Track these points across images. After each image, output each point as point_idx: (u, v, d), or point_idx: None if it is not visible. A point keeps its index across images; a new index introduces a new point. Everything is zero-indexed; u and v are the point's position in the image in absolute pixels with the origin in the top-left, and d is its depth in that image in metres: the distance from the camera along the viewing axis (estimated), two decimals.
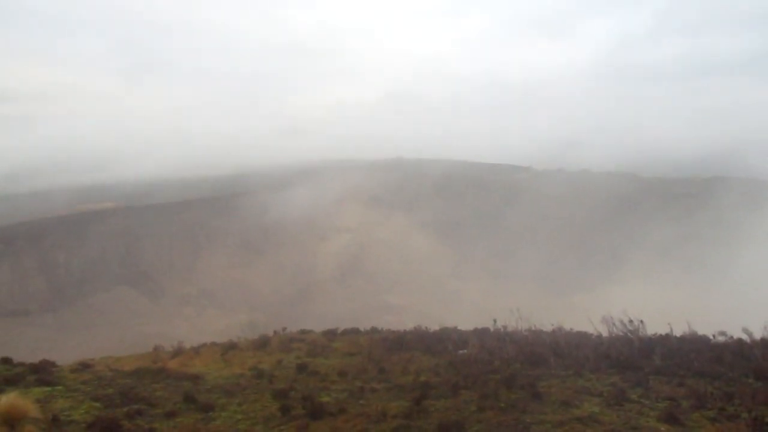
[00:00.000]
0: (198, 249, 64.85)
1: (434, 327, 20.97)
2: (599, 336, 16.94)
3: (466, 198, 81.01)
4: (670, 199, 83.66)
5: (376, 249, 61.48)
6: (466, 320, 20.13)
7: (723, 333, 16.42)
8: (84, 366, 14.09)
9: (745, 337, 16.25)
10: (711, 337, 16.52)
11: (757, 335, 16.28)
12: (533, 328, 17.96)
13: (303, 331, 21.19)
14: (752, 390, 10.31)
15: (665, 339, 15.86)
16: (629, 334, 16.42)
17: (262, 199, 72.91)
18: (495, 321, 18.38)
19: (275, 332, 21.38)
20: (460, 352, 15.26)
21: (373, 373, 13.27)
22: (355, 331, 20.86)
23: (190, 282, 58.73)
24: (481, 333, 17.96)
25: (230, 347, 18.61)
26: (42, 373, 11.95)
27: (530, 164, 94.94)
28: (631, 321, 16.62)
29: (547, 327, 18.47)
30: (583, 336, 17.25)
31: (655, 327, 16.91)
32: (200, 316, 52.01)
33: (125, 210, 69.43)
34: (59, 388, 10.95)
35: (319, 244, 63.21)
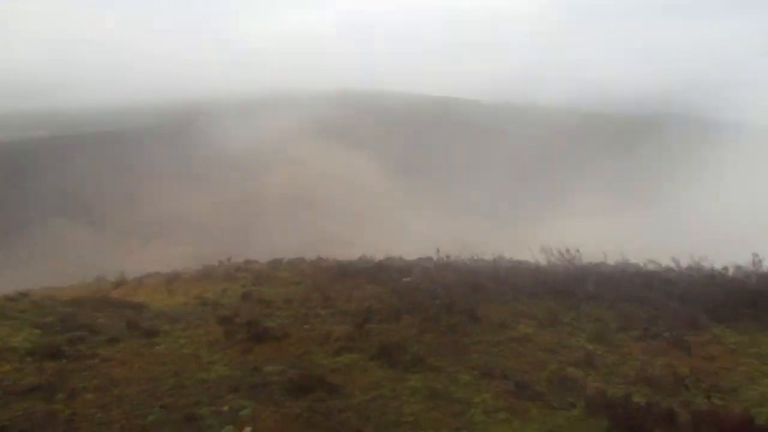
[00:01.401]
0: (140, 179, 63.11)
1: (379, 257, 21.24)
2: (538, 265, 17.56)
3: (415, 131, 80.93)
4: (615, 135, 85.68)
5: (324, 181, 61.19)
6: (412, 251, 20.45)
7: (653, 261, 17.27)
8: (22, 295, 13.76)
9: (673, 265, 17.16)
10: (642, 265, 17.36)
11: (684, 264, 17.22)
12: (475, 258, 18.47)
13: (248, 261, 21.15)
14: (674, 312, 10.97)
15: (599, 267, 16.56)
16: (566, 262, 17.10)
17: (208, 129, 71.09)
18: (438, 250, 18.77)
19: (220, 262, 21.29)
20: (404, 280, 15.54)
21: (318, 301, 13.43)
22: (301, 261, 20.94)
23: (132, 213, 57.40)
24: (425, 262, 18.31)
25: (174, 277, 18.45)
26: None
27: (479, 98, 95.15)
28: (568, 250, 17.28)
29: (488, 256, 19.03)
30: (522, 265, 17.85)
31: (593, 257, 17.64)
32: (143, 247, 51.18)
33: (62, 139, 66.58)
34: None
35: (265, 175, 62.40)
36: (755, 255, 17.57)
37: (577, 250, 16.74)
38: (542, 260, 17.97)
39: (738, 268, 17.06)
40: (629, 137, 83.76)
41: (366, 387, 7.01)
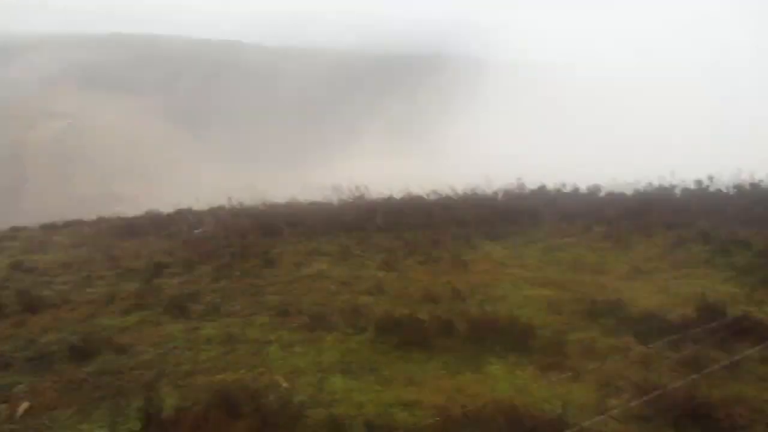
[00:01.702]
0: None
1: (168, 211, 20.17)
2: (330, 204, 18.00)
3: (197, 78, 76.94)
4: (397, 76, 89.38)
5: (98, 135, 55.89)
6: (203, 203, 19.68)
7: (434, 192, 18.65)
8: None
9: (451, 193, 18.67)
10: (425, 196, 18.64)
11: (461, 192, 18.83)
12: (268, 203, 18.39)
13: (15, 229, 18.83)
14: (453, 235, 11.98)
15: (387, 201, 17.43)
16: (356, 200, 17.75)
17: None
18: (230, 198, 18.36)
19: None
20: (196, 231, 15.00)
21: (102, 262, 12.45)
22: (79, 223, 19.17)
23: None
24: (216, 211, 17.80)
25: None
26: None
27: (260, 41, 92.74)
28: (357, 188, 17.94)
29: (282, 200, 19.05)
30: (315, 206, 18.17)
31: (381, 193, 18.51)
32: None
33: None
34: None
35: (28, 132, 55.42)
36: (519, 179, 19.77)
37: (366, 187, 17.46)
38: (334, 200, 18.46)
39: (506, 191, 19.09)
40: (410, 78, 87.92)
41: (158, 342, 6.71)
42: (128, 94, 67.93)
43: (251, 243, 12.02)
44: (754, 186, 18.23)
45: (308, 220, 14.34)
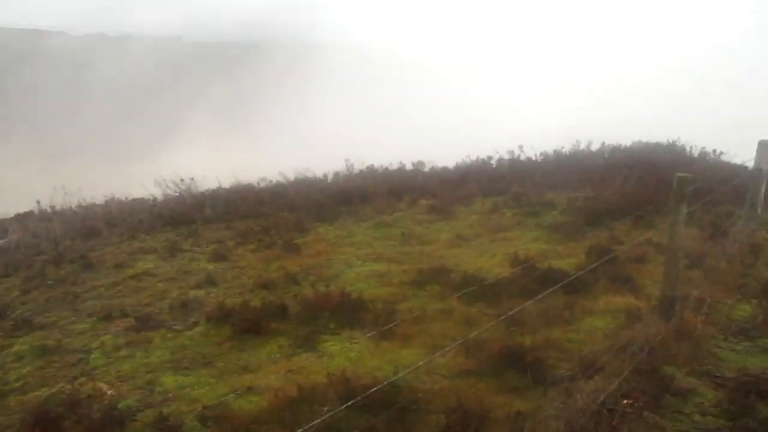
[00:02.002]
0: None
1: None
2: (154, 199, 17.05)
3: None
4: (218, 64, 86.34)
5: None
6: (11, 208, 17.74)
7: (264, 179, 18.35)
8: None
9: (282, 180, 18.52)
10: (255, 184, 18.29)
11: (291, 177, 18.74)
12: (84, 203, 16.99)
13: None
14: (285, 220, 11.92)
15: (215, 192, 16.86)
16: (183, 192, 16.97)
17: None
18: (39, 202, 16.70)
19: None
20: (0, 241, 13.50)
21: None
22: None
23: None
24: (23, 218, 16.12)
25: None
26: None
27: (64, 29, 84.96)
28: (182, 180, 17.14)
29: (100, 200, 17.71)
30: (138, 202, 17.11)
31: (208, 184, 17.84)
32: None
33: None
34: None
35: None
36: (347, 160, 20.09)
37: (192, 179, 16.72)
38: (158, 194, 17.51)
39: (336, 173, 19.32)
40: (232, 64, 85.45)
41: None
42: None
43: (66, 248, 11.08)
44: (557, 153, 20.21)
45: (130, 218, 13.50)
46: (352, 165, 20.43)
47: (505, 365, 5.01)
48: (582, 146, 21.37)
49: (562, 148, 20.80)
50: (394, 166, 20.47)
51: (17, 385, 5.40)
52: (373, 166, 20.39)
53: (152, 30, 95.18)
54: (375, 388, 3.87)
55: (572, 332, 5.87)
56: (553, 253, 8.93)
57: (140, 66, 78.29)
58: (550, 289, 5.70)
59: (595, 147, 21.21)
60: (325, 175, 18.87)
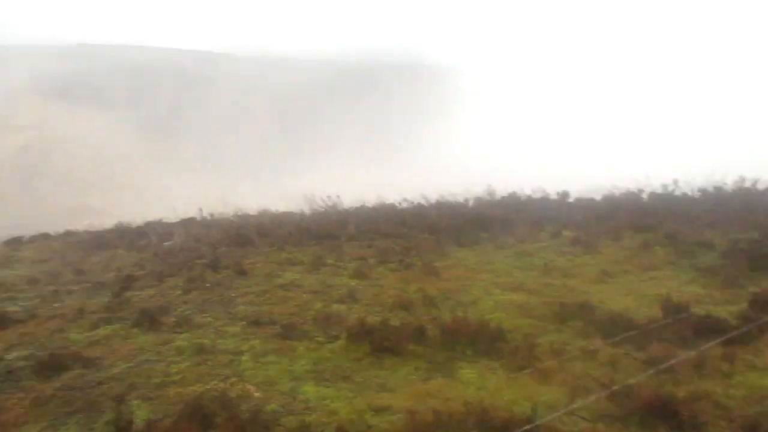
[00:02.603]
0: None
1: (138, 223, 19.95)
2: (302, 213, 17.97)
3: (164, 87, 76.12)
4: (366, 87, 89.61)
5: (65, 148, 54.93)
6: (172, 214, 19.51)
7: (406, 200, 18.73)
8: None
9: (423, 201, 18.78)
10: (397, 205, 18.71)
11: (433, 200, 18.95)
12: (240, 213, 18.28)
13: None
14: (426, 243, 12.06)
15: (359, 210, 17.46)
16: (329, 209, 17.75)
17: None
18: (201, 210, 18.24)
19: None
20: (166, 243, 14.86)
21: (70, 276, 12.28)
22: (46, 237, 18.87)
23: None
24: (187, 223, 17.65)
25: None
26: None
27: (229, 51, 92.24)
28: (329, 197, 17.94)
29: (253, 211, 18.97)
30: (287, 215, 18.12)
31: (352, 203, 18.54)
32: None
33: None
34: None
35: None
36: (490, 186, 19.97)
37: (338, 196, 17.47)
38: (306, 209, 18.44)
39: (477, 198, 19.26)
40: (383, 86, 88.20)
41: (128, 355, 6.64)
42: (96, 105, 66.99)
43: (222, 254, 11.94)
44: (718, 189, 18.70)
45: (280, 230, 14.31)
46: (494, 191, 20.28)
47: (654, 416, 4.70)
48: (747, 184, 19.66)
49: (724, 184, 19.24)
50: (538, 194, 20.03)
51: (177, 378, 5.87)
52: (515, 193, 20.09)
53: (310, 53, 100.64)
54: (518, 430, 3.79)
55: (732, 387, 5.38)
56: (709, 299, 8.27)
57: (294, 87, 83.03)
58: (709, 340, 5.29)
59: (762, 185, 19.42)
60: (467, 200, 18.86)
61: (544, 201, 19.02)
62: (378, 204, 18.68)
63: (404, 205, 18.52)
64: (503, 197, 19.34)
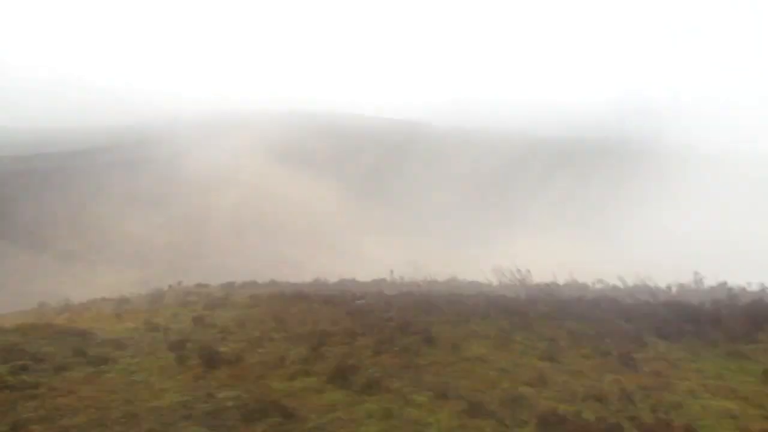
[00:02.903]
0: (85, 201, 61.42)
1: (333, 280, 21.21)
2: (490, 285, 17.86)
3: (366, 152, 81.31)
4: (563, 159, 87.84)
5: (274, 202, 60.74)
6: (365, 273, 20.53)
7: (601, 281, 17.83)
8: None
9: (619, 284, 17.74)
10: (590, 285, 17.87)
11: (630, 283, 17.82)
12: (428, 279, 18.66)
13: (199, 285, 20.84)
14: (622, 330, 11.31)
15: (550, 287, 16.93)
16: (517, 283, 17.44)
17: (153, 150, 69.85)
18: (392, 272, 18.91)
19: (170, 287, 20.90)
20: (358, 302, 15.56)
21: (272, 324, 13.31)
22: (254, 284, 20.76)
23: (76, 236, 55.68)
24: (378, 284, 18.40)
25: (122, 302, 18.04)
26: None
27: (429, 120, 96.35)
28: (519, 271, 17.64)
29: (442, 278, 19.25)
30: (475, 285, 18.13)
31: (541, 277, 18.06)
32: (89, 271, 49.57)
33: (1, 159, 64.34)
34: None
35: (214, 196, 61.55)
36: (696, 273, 18.35)
37: (528, 271, 17.11)
38: (494, 281, 18.30)
39: (681, 286, 17.78)
40: (579, 160, 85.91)
41: (321, 410, 7.00)
42: (306, 166, 73.43)
43: (411, 319, 12.21)
44: None
45: (468, 300, 14.33)
46: (701, 279, 18.62)
47: None
48: None
49: None
50: (754, 286, 17.99)
51: None
52: (726, 283, 18.25)
53: (504, 123, 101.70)
54: None
55: None
56: None
57: (488, 157, 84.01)
58: None
59: None
60: (669, 287, 17.50)
61: (763, 294, 17.00)
62: (570, 283, 18.01)
63: (598, 285, 17.66)
64: (712, 287, 17.66)
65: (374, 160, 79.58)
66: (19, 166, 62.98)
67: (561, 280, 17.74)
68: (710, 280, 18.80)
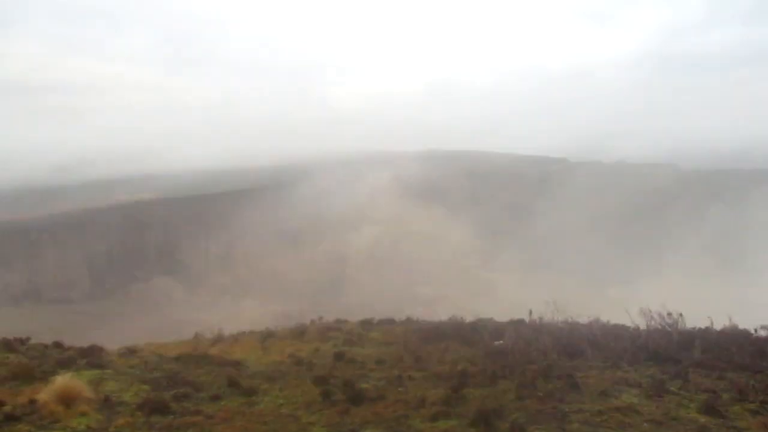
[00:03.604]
0: (234, 239, 65.86)
1: (469, 318, 20.97)
2: (637, 328, 16.77)
3: (501, 190, 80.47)
4: (710, 192, 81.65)
5: (409, 240, 61.64)
6: (500, 312, 20.15)
7: (765, 327, 16.15)
8: (130, 351, 14.56)
9: None
10: (753, 332, 16.26)
11: None
12: (569, 320, 17.87)
13: (339, 321, 21.48)
14: None
15: (705, 332, 15.64)
16: (668, 327, 16.25)
17: (298, 190, 73.63)
18: (531, 312, 18.36)
19: (312, 321, 21.71)
20: (497, 342, 15.29)
21: (410, 362, 13.41)
22: (391, 321, 21.04)
23: (226, 271, 59.75)
24: (516, 324, 17.94)
25: (268, 335, 19.00)
26: (91, 357, 12.40)
27: (566, 156, 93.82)
28: (669, 314, 16.44)
29: (584, 319, 18.38)
30: (620, 328, 17.11)
31: (694, 321, 16.71)
32: (236, 305, 52.85)
33: (164, 201, 70.78)
34: (108, 371, 11.37)
35: (352, 234, 63.60)
36: None
37: (680, 314, 15.90)
38: (641, 324, 17.19)
39: None
40: (724, 194, 79.58)
41: None
42: (442, 204, 74.04)
43: (554, 362, 11.79)
44: None
45: (614, 345, 13.59)
46: None
47: None
48: None
49: None
50: None
51: None
52: None
53: (646, 157, 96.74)
54: None
55: None
56: None
57: (628, 191, 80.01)
58: None
59: None
60: None
61: None
62: (728, 327, 16.48)
63: (762, 332, 16.01)
64: None
65: (510, 197, 78.61)
66: (175, 207, 68.99)
67: (717, 325, 16.31)
68: None
